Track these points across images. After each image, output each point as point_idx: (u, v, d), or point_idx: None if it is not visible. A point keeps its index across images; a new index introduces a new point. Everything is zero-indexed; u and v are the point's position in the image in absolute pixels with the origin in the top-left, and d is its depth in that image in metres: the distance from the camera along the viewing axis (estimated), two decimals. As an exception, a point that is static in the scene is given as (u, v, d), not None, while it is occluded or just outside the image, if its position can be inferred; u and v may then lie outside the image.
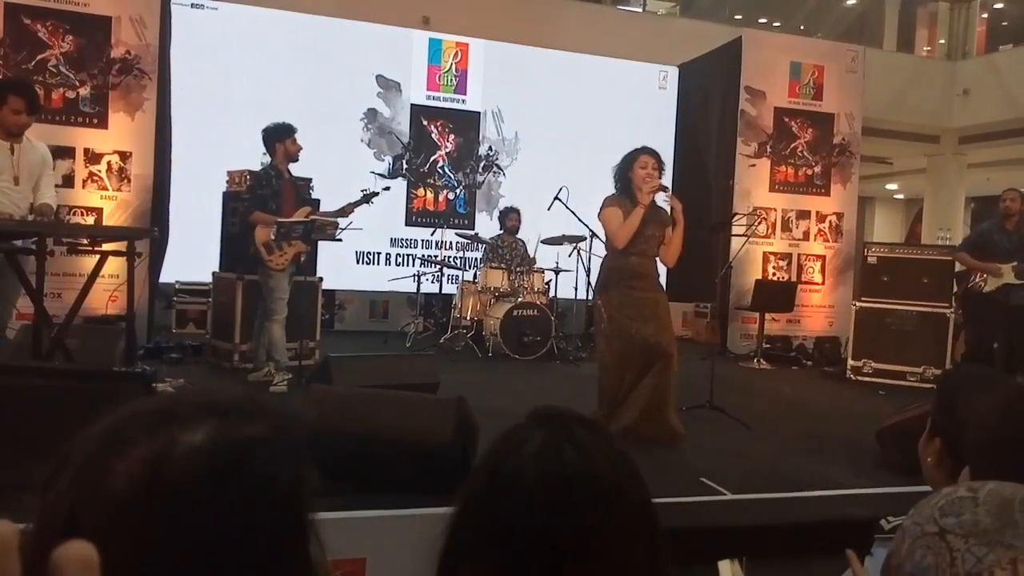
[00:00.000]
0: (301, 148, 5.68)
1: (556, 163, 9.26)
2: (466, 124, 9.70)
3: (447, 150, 9.67)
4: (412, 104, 9.46)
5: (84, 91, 6.95)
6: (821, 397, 6.63)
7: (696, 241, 4.77)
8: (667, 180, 4.62)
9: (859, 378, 7.25)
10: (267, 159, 5.68)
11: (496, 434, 0.86)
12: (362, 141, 9.32)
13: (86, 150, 6.97)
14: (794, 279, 9.20)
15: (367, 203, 5.76)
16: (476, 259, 8.79)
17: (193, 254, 7.42)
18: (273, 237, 5.46)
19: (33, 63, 6.79)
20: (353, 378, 4.23)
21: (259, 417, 0.66)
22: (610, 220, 4.46)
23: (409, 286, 8.52)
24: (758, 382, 7.20)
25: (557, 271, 8.06)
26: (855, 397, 6.62)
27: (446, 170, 9.67)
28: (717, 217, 8.40)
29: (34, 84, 5.50)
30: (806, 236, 9.44)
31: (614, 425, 4.14)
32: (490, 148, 9.79)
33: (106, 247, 4.56)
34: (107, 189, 7.03)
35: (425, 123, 9.56)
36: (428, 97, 9.54)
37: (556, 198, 7.31)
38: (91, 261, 4.60)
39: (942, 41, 14.65)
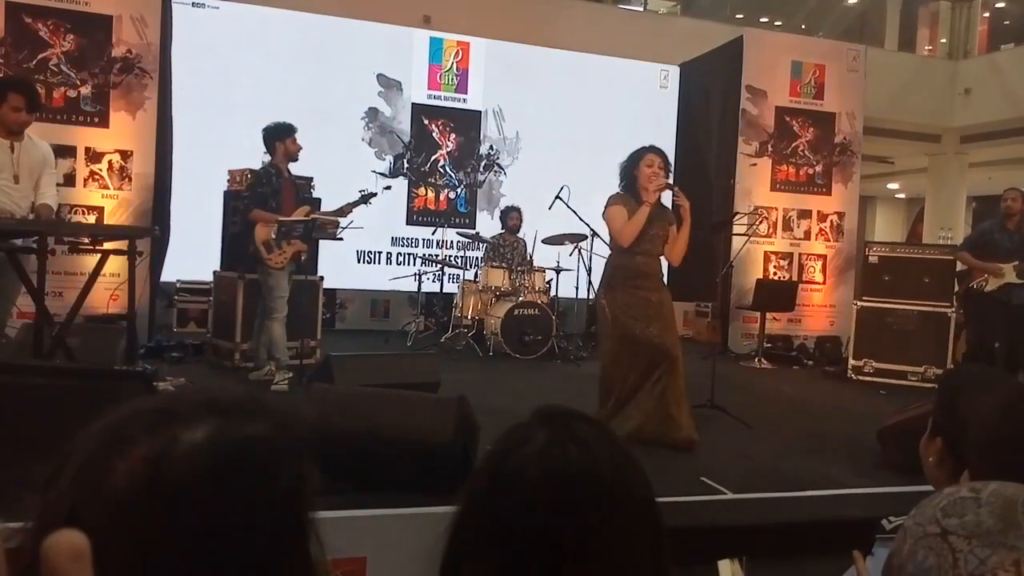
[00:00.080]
0: (301, 148, 5.68)
1: (557, 162, 9.26)
2: (467, 123, 9.70)
3: (448, 149, 9.67)
4: (413, 103, 9.46)
5: (85, 90, 6.95)
6: (822, 397, 6.62)
7: (697, 240, 4.75)
8: (670, 180, 4.60)
9: (860, 378, 7.24)
10: (268, 158, 5.69)
11: (497, 433, 0.86)
12: (363, 140, 9.32)
13: (87, 149, 6.97)
14: (795, 278, 9.19)
15: (365, 204, 5.77)
16: (477, 258, 8.79)
17: (194, 253, 7.42)
18: (274, 236, 5.46)
19: (34, 62, 6.79)
20: (354, 377, 4.23)
21: (260, 416, 0.65)
22: (615, 218, 4.43)
23: (410, 285, 8.52)
24: (759, 382, 7.19)
25: (558, 270, 8.05)
26: (856, 397, 6.61)
27: (447, 169, 9.67)
28: (718, 216, 8.39)
29: (35, 82, 5.50)
30: (807, 235, 9.43)
31: (618, 428, 4.13)
32: (491, 147, 9.79)
33: (107, 246, 4.56)
34: (108, 188, 7.03)
35: (426, 122, 9.56)
36: (429, 96, 9.54)
37: (557, 197, 7.31)
38: (92, 260, 4.60)
39: (943, 40, 14.64)
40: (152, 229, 5.54)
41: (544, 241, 8.10)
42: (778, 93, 9.28)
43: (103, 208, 7.00)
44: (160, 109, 7.19)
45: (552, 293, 8.09)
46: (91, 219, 6.89)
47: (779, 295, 8.47)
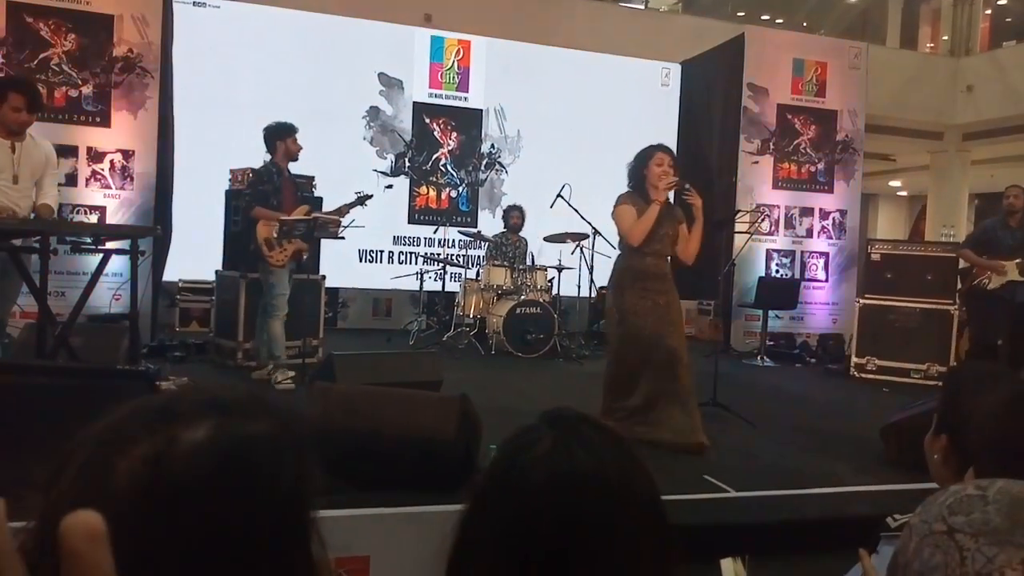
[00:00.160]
0: (301, 148, 5.69)
1: (558, 161, 9.25)
2: (468, 122, 9.70)
3: (449, 148, 9.67)
4: (414, 102, 9.46)
5: (87, 90, 6.96)
6: (825, 394, 6.61)
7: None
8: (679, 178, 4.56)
9: (863, 375, 7.24)
10: (268, 158, 5.69)
11: (500, 432, 0.86)
12: (364, 139, 9.32)
13: (89, 149, 6.98)
14: (797, 276, 9.18)
15: (361, 205, 5.76)
16: (479, 257, 8.79)
17: (196, 252, 7.43)
18: (276, 234, 5.47)
19: (36, 62, 6.79)
20: (356, 376, 4.22)
21: (262, 415, 0.65)
22: (624, 218, 4.37)
23: (412, 284, 8.52)
24: (761, 379, 7.19)
25: (560, 269, 8.05)
26: (859, 394, 6.61)
27: (448, 168, 9.67)
28: (720, 214, 8.37)
29: (35, 82, 5.49)
30: (809, 233, 9.43)
31: (624, 430, 4.11)
32: (492, 146, 9.78)
33: (109, 245, 4.56)
34: (110, 188, 7.04)
35: (427, 121, 9.56)
36: (430, 95, 9.53)
37: (559, 195, 7.31)
38: (94, 259, 4.61)
39: (945, 37, 14.61)
40: (154, 228, 5.55)
41: (546, 239, 8.10)
42: (780, 91, 9.27)
43: (105, 208, 7.01)
44: (161, 108, 7.19)
45: (554, 292, 8.09)
46: (93, 219, 6.90)
47: (781, 293, 8.47)
